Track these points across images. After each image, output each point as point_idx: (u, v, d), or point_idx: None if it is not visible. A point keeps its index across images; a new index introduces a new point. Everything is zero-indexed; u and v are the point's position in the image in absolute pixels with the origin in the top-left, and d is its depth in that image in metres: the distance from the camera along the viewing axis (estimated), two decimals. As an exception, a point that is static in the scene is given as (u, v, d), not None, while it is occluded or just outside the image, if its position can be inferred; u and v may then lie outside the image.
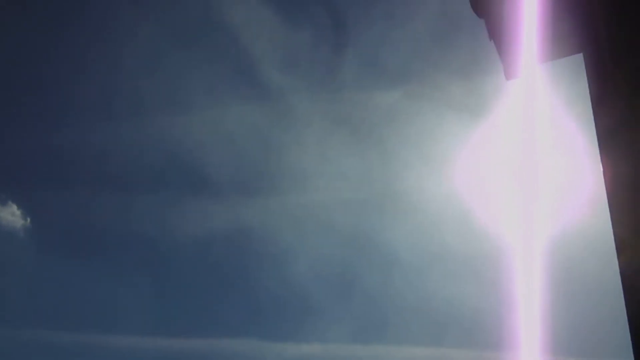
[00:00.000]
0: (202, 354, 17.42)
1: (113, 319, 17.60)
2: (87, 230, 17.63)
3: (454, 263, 18.99)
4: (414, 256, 19.23)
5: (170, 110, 18.63)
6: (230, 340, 17.79)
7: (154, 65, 18.85)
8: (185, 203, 18.16)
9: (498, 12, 3.67)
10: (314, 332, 18.92)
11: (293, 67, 19.41)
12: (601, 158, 2.99)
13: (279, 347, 18.23)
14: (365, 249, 19.32)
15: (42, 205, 17.57)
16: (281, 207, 18.86)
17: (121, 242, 17.84)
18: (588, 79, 3.39)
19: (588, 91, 3.35)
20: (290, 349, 18.20)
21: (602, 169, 2.97)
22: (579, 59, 3.80)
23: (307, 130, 19.26)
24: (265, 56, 19.02)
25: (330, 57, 19.70)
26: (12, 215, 16.97)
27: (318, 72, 19.70)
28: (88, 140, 18.00)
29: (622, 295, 2.72)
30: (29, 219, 17.11)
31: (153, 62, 18.92)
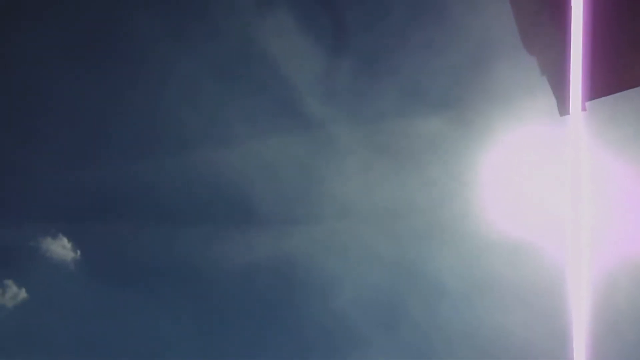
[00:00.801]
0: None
1: (160, 350, 17.75)
2: (135, 261, 17.96)
3: (503, 291, 18.54)
4: (461, 284, 18.89)
5: (212, 142, 18.98)
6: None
7: (195, 99, 19.28)
8: (229, 234, 18.35)
9: (550, 49, 3.62)
10: (359, 362, 18.67)
11: (333, 96, 19.58)
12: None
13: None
14: (411, 277, 19.08)
15: (91, 238, 18.01)
16: (324, 236, 18.85)
17: (167, 273, 18.11)
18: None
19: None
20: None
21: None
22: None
23: (349, 159, 19.33)
24: (305, 87, 19.25)
25: (370, 85, 19.81)
26: (63, 248, 17.47)
27: (358, 101, 19.78)
28: (133, 173, 18.44)
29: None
30: (78, 252, 17.57)
31: (194, 95, 19.33)
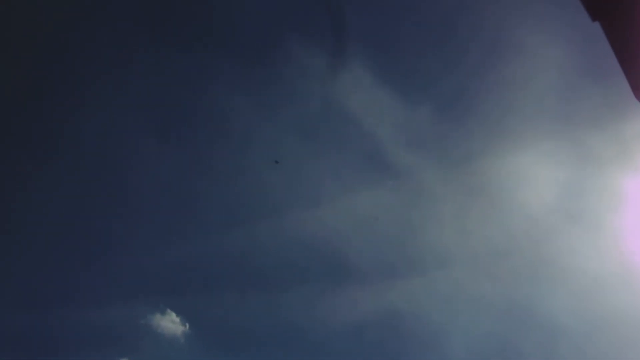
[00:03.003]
0: None
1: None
2: (241, 328, 18.09)
3: (622, 327, 17.45)
4: (577, 322, 17.89)
5: (302, 203, 19.16)
6: None
7: (280, 161, 19.58)
8: (331, 292, 18.26)
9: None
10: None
11: (417, 143, 19.49)
12: None
13: None
14: (523, 319, 18.26)
15: (197, 310, 18.31)
16: (427, 286, 18.44)
17: (275, 336, 18.09)
18: None
19: None
20: None
21: None
22: None
23: (443, 205, 19.02)
24: (388, 137, 19.27)
25: (453, 127, 19.66)
26: (172, 323, 17.82)
27: (444, 145, 19.60)
28: (228, 243, 18.79)
29: None
30: (187, 325, 17.87)
31: (278, 157, 19.61)
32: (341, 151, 19.11)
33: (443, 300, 18.52)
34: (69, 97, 17.29)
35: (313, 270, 18.60)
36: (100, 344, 17.57)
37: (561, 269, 18.42)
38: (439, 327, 18.18)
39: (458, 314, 18.52)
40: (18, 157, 17.17)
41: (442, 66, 18.95)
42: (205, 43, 18.42)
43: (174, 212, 18.81)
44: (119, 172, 18.32)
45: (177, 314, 17.78)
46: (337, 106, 19.12)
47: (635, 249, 17.59)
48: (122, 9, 16.56)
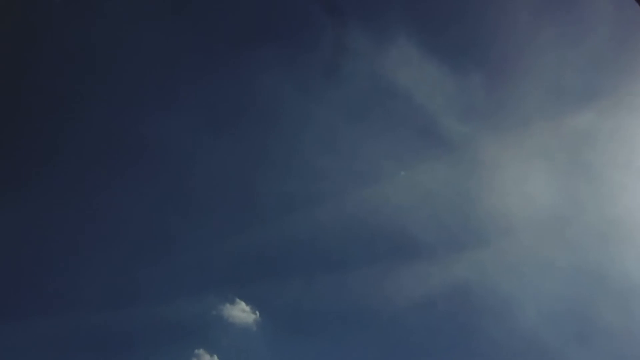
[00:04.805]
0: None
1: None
2: (311, 311, 18.22)
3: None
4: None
5: (360, 182, 19.07)
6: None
7: (334, 144, 19.56)
8: (398, 269, 18.19)
9: None
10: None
11: (471, 112, 19.16)
12: None
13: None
14: (595, 282, 17.83)
15: (265, 297, 18.52)
16: (494, 256, 18.18)
17: (345, 317, 18.17)
18: None
19: None
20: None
21: None
22: None
23: (502, 172, 18.67)
24: (441, 109, 19.01)
25: (505, 92, 19.22)
26: (243, 312, 18.08)
27: (497, 111, 19.22)
28: (291, 226, 18.90)
29: None
30: (257, 313, 18.11)
31: (332, 140, 19.62)
32: (394, 127, 18.94)
33: (511, 269, 18.28)
34: (132, 96, 17.68)
35: (378, 249, 18.56)
36: (176, 337, 17.98)
37: (632, 227, 17.92)
38: (509, 296, 17.95)
39: (528, 281, 18.26)
40: (85, 157, 17.68)
41: (490, 31, 18.57)
42: (248, 33, 18.53)
43: (235, 203, 19.03)
44: (182, 168, 18.65)
45: (247, 303, 18.05)
46: (386, 83, 18.95)
47: None
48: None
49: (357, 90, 19.12)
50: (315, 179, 19.01)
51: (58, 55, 17.37)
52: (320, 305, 18.28)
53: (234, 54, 18.78)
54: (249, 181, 18.95)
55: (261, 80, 18.97)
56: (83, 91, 17.43)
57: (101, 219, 18.07)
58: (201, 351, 17.46)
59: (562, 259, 18.00)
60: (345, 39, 18.98)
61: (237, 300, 18.05)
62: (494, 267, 18.21)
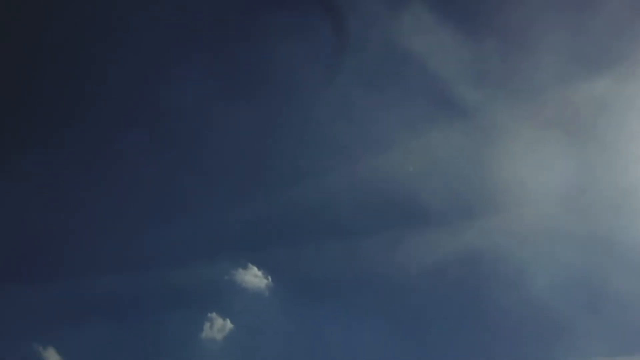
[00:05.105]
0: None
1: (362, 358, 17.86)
2: (323, 277, 18.39)
3: None
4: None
5: (374, 150, 19.06)
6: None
7: (347, 111, 19.51)
8: (409, 236, 18.22)
9: None
10: (568, 350, 17.46)
11: (485, 79, 18.99)
12: None
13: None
14: (607, 252, 17.72)
15: (277, 262, 18.69)
16: (506, 224, 18.12)
17: (356, 283, 18.32)
18: None
19: None
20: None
21: None
22: None
23: (516, 140, 18.52)
24: (455, 76, 18.83)
25: (520, 59, 19.00)
26: (255, 277, 18.27)
27: (511, 78, 19.01)
28: (300, 192, 18.98)
29: None
30: (269, 278, 18.29)
31: (347, 108, 19.57)
32: (408, 94, 18.86)
33: (523, 238, 18.21)
34: (148, 61, 17.84)
35: (389, 216, 18.60)
36: (189, 301, 18.23)
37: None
38: (521, 265, 17.93)
39: (540, 250, 18.22)
40: (100, 120, 17.90)
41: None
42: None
43: (248, 169, 19.15)
44: (196, 133, 18.79)
45: (259, 268, 18.23)
46: (400, 49, 18.84)
47: None
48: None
49: (371, 57, 19.07)
50: (328, 146, 19.08)
51: (77, 19, 17.53)
52: (332, 271, 18.43)
53: (249, 21, 18.81)
54: (263, 148, 19.06)
55: (275, 47, 19.01)
56: (100, 55, 17.58)
57: (115, 182, 18.32)
58: (214, 315, 17.74)
59: (574, 228, 17.93)
60: (359, 6, 18.90)
61: (250, 265, 18.25)
62: (505, 236, 18.18)
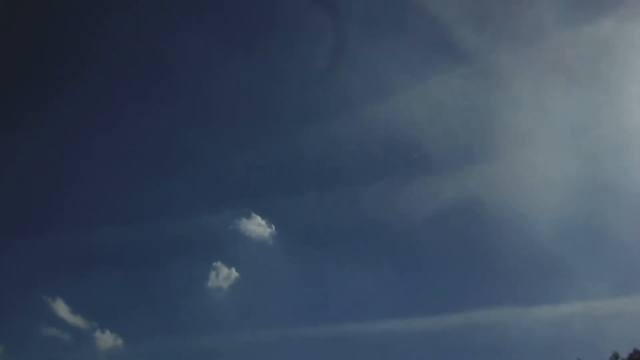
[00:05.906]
0: (460, 328, 17.18)
1: (364, 306, 18.14)
2: (326, 225, 18.59)
3: None
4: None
5: (374, 99, 18.94)
6: (485, 311, 17.34)
7: (348, 57, 19.22)
8: (411, 183, 18.34)
9: None
10: (569, 291, 17.60)
11: (486, 22, 18.61)
12: None
13: (535, 311, 17.32)
14: (609, 194, 17.72)
15: (281, 211, 18.87)
16: (508, 169, 18.20)
17: (359, 231, 18.51)
18: None
19: None
20: (548, 311, 17.27)
21: None
22: None
23: (517, 85, 18.32)
24: (456, 19, 18.42)
25: (521, 1, 18.63)
26: (259, 226, 18.46)
27: (513, 20, 18.61)
28: (307, 145, 19.00)
29: None
30: (273, 227, 18.50)
31: (348, 56, 19.26)
32: (408, 39, 18.59)
33: (524, 182, 18.27)
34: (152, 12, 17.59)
35: (391, 163, 18.68)
36: (195, 251, 18.60)
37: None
38: (522, 209, 17.95)
39: (541, 194, 18.24)
40: (105, 70, 17.80)
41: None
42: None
43: (250, 119, 19.16)
44: (199, 83, 18.74)
45: (263, 217, 18.41)
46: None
47: None
48: None
49: (371, 3, 18.73)
50: (329, 94, 18.96)
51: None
52: (334, 219, 18.62)
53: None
54: (265, 97, 19.01)
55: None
56: (104, 9, 17.31)
57: (119, 133, 18.36)
58: (219, 264, 18.05)
59: (575, 171, 17.93)
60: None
61: (253, 214, 18.43)
62: (506, 180, 18.27)
